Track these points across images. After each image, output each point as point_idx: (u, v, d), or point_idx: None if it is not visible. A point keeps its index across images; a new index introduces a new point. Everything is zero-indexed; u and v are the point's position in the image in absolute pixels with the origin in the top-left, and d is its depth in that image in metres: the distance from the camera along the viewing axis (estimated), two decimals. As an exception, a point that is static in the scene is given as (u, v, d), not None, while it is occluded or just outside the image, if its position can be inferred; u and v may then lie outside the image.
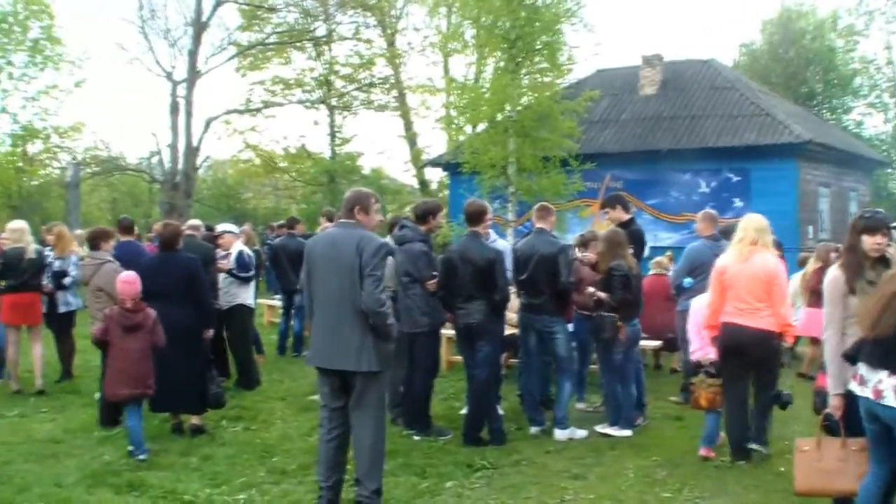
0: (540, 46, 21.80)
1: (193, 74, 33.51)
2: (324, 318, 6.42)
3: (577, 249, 9.79)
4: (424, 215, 9.11)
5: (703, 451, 8.04)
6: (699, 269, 9.69)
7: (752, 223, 7.79)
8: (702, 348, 8.10)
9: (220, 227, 12.08)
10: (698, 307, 8.23)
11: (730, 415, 7.90)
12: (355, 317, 6.22)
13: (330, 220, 12.30)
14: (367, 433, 6.40)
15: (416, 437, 8.70)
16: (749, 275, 7.58)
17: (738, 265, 7.63)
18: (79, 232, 16.77)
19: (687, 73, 28.19)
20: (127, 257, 9.94)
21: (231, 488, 7.06)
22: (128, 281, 8.20)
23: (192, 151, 33.94)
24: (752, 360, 7.70)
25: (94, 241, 9.68)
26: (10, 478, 7.45)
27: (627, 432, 8.80)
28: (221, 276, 10.95)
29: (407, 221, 9.48)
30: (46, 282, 11.22)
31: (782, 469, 7.20)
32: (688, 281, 9.94)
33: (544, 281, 8.66)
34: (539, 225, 9.00)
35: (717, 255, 9.57)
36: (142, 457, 7.90)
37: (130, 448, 8.03)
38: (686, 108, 26.35)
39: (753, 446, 7.84)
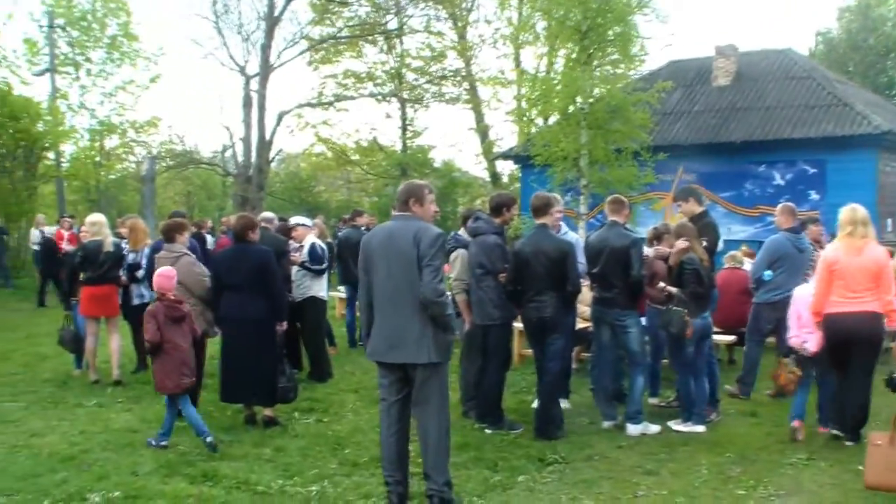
0: (612, 38, 21.59)
1: (266, 68, 33.82)
2: (383, 310, 6.41)
3: (652, 243, 9.70)
4: (499, 207, 9.04)
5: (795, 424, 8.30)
6: (779, 262, 9.75)
7: (858, 216, 7.88)
8: (798, 336, 8.25)
9: (293, 220, 12.17)
10: (800, 296, 8.34)
11: (846, 399, 8.01)
12: (414, 308, 6.22)
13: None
14: (432, 426, 6.41)
15: (488, 431, 8.68)
16: (860, 267, 7.75)
17: (849, 258, 7.77)
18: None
19: (762, 63, 27.68)
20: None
21: (303, 480, 7.11)
22: (166, 276, 8.43)
23: (264, 145, 34.26)
24: (858, 341, 7.79)
25: (170, 234, 9.76)
26: (90, 466, 7.61)
27: (700, 428, 8.68)
28: (294, 269, 11.04)
29: (481, 213, 9.45)
30: (121, 274, 11.42)
31: (861, 468, 7.01)
32: (767, 273, 9.84)
33: (616, 274, 8.56)
34: (612, 218, 8.90)
35: (797, 248, 9.45)
36: (209, 439, 8.02)
37: (203, 438, 8.10)
38: (760, 99, 25.89)
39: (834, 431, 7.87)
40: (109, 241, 11.32)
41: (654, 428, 8.71)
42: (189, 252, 9.69)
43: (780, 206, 10.37)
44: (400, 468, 6.48)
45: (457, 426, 8.66)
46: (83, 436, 8.69)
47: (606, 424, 8.87)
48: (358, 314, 13.98)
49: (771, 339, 10.59)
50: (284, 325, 9.38)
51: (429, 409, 6.39)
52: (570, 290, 8.48)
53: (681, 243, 8.78)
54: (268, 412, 8.91)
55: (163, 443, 8.24)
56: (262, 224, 10.89)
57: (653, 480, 7.19)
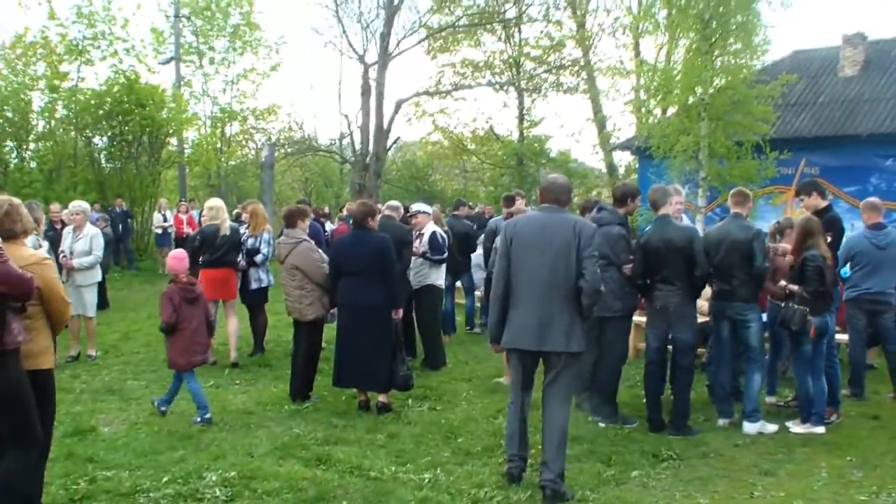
0: (734, 26, 21.09)
1: (385, 57, 34.01)
2: (530, 300, 6.48)
3: (774, 238, 9.44)
4: (623, 198, 8.87)
5: None
6: (855, 259, 9.55)
7: None
8: None
9: (413, 207, 12.18)
10: None
11: None
12: (565, 299, 6.39)
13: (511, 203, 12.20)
14: (561, 413, 6.57)
15: (602, 424, 8.54)
16: None
17: None
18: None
19: (892, 52, 26.71)
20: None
21: (416, 467, 7.10)
22: (177, 258, 8.87)
23: (382, 133, 34.48)
24: None
25: (291, 220, 9.85)
26: (207, 445, 7.75)
27: (820, 429, 8.39)
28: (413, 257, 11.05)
29: (605, 204, 9.31)
30: (240, 259, 11.60)
31: None
32: (844, 271, 9.61)
33: (737, 266, 8.34)
34: (736, 210, 8.68)
35: (876, 245, 9.10)
36: (207, 416, 8.54)
37: (199, 415, 8.62)
38: (890, 90, 24.97)
39: None
40: (226, 225, 11.50)
41: (772, 427, 8.46)
42: (308, 238, 9.76)
43: (863, 202, 10.03)
44: (526, 448, 6.79)
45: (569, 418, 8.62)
46: (201, 416, 8.86)
47: (722, 422, 8.64)
48: (458, 302, 14.09)
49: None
50: (400, 312, 9.40)
51: (561, 396, 6.60)
52: (699, 276, 8.31)
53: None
54: (382, 398, 8.94)
55: (163, 408, 8.80)
56: (387, 212, 10.96)
57: (770, 481, 6.98)
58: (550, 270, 6.39)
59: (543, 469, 6.48)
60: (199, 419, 8.55)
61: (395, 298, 9.06)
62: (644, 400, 8.75)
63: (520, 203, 12.14)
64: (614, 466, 7.25)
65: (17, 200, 5.73)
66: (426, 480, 6.78)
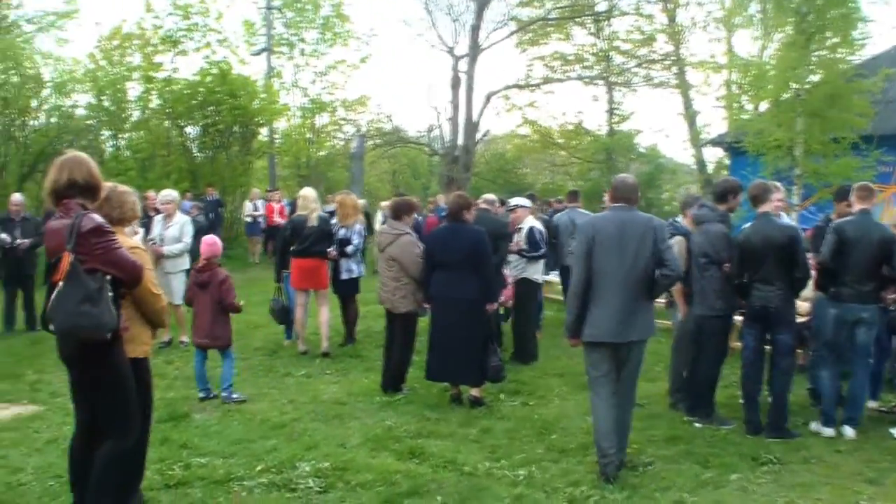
0: (832, 21, 20.54)
1: (475, 50, 33.89)
2: (612, 296, 6.74)
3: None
4: (724, 194, 8.61)
5: None
6: None
7: None
8: None
9: (512, 201, 12.07)
10: None
11: None
12: (641, 290, 6.76)
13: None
14: (630, 398, 7.04)
15: (698, 425, 8.35)
16: None
17: None
18: (361, 202, 17.23)
19: None
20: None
21: (510, 463, 7.02)
22: (208, 242, 9.37)
23: (471, 125, 34.38)
24: None
25: (397, 213, 9.84)
26: (300, 435, 7.76)
27: (927, 437, 8.09)
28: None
29: (705, 201, 9.07)
30: (333, 249, 11.60)
31: None
32: None
33: (872, 266, 8.04)
34: (861, 206, 8.27)
35: None
36: (224, 394, 9.08)
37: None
38: None
39: None
40: (314, 215, 11.50)
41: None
42: (411, 232, 9.70)
43: None
44: (616, 439, 6.82)
45: (664, 418, 8.50)
46: (292, 405, 8.89)
47: (822, 429, 8.34)
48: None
49: None
50: (495, 305, 9.30)
51: (632, 381, 7.02)
52: (799, 277, 8.03)
53: None
54: (474, 392, 8.86)
55: (233, 396, 9.06)
56: (483, 206, 10.86)
57: (875, 490, 6.72)
58: (630, 267, 6.70)
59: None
60: (224, 393, 9.16)
61: (489, 292, 8.98)
62: (741, 401, 8.52)
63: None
64: (712, 469, 7.07)
65: (122, 188, 5.77)
66: (521, 477, 6.71)
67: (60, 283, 4.91)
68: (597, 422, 6.91)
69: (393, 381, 9.40)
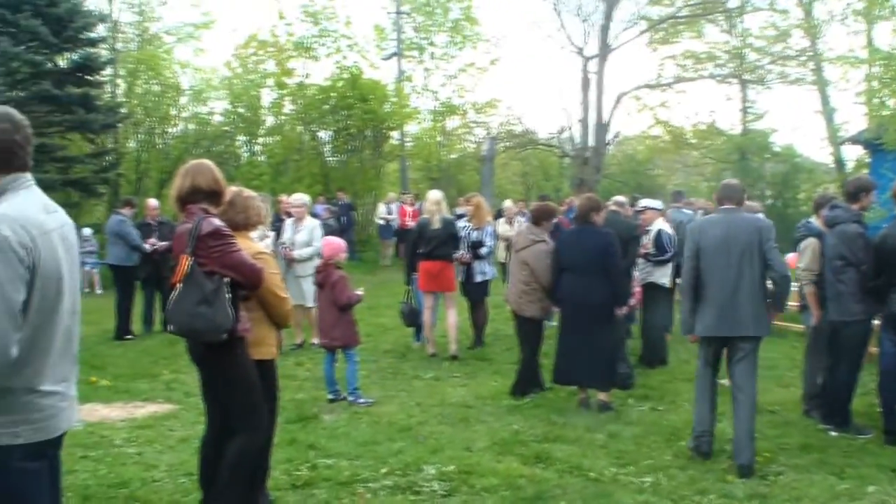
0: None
1: (605, 50, 33.62)
2: (720, 293, 7.04)
3: None
4: (856, 193, 8.25)
5: None
6: None
7: None
8: None
9: (642, 203, 11.92)
10: None
11: None
12: (751, 289, 6.97)
13: (751, 197, 11.68)
14: (751, 392, 7.10)
15: (833, 434, 8.04)
16: None
17: None
18: (508, 204, 17.26)
19: None
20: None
21: (637, 469, 6.89)
22: (328, 244, 9.55)
23: (602, 127, 34.11)
24: None
25: (537, 218, 9.81)
26: (426, 438, 7.77)
27: None
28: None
29: (838, 201, 8.75)
30: (463, 251, 11.62)
31: None
32: None
33: None
34: None
35: None
36: (351, 398, 9.17)
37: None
38: None
39: None
40: (437, 218, 11.52)
41: None
42: (548, 240, 9.63)
43: None
44: (712, 423, 7.32)
45: (798, 425, 8.26)
46: (419, 408, 8.91)
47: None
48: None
49: None
50: (624, 309, 9.18)
51: (751, 375, 7.13)
52: None
53: None
54: (602, 396, 8.75)
55: (360, 400, 9.11)
56: (613, 208, 10.76)
57: None
58: (737, 266, 6.96)
59: (737, 451, 7.00)
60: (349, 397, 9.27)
61: (618, 296, 8.86)
62: (879, 409, 8.18)
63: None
64: (847, 480, 6.78)
65: (248, 192, 5.88)
66: (647, 484, 6.58)
67: (178, 285, 5.04)
68: (696, 407, 7.42)
69: (521, 384, 9.36)
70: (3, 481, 3.38)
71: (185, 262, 5.01)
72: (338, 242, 9.49)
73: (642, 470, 6.88)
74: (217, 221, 5.16)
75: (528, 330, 9.48)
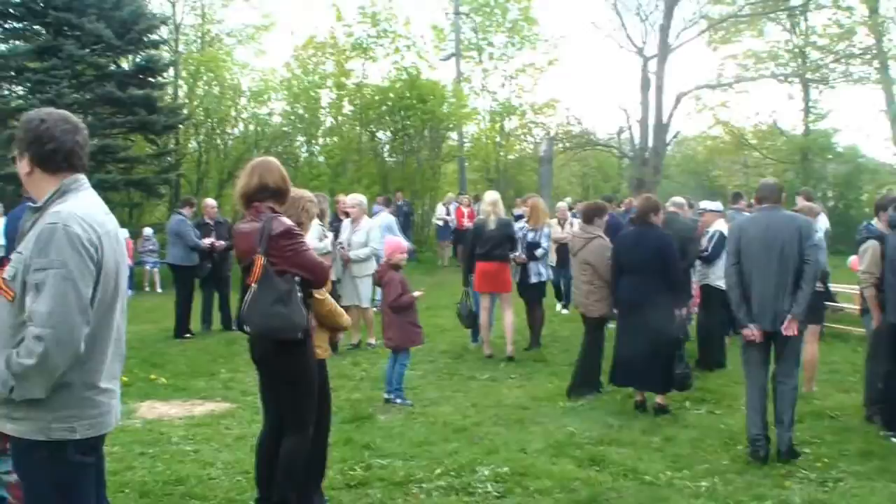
0: None
1: (664, 49, 33.40)
2: (762, 288, 7.19)
3: None
4: (919, 193, 8.21)
5: None
6: None
7: None
8: None
9: (701, 204, 11.84)
10: None
11: None
12: (792, 285, 7.11)
13: (808, 199, 11.48)
14: (793, 383, 7.36)
15: (895, 440, 7.89)
16: None
17: None
18: (562, 205, 17.19)
19: None
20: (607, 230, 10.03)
21: (693, 474, 6.82)
22: (387, 244, 9.66)
23: (661, 127, 33.90)
24: None
25: (589, 216, 9.83)
26: (481, 439, 7.76)
27: None
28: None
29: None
30: (520, 252, 11.61)
31: None
32: None
33: None
34: None
35: None
36: (388, 396, 9.17)
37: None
38: None
39: None
40: (492, 219, 11.50)
41: None
42: (603, 235, 9.63)
43: None
44: (765, 427, 7.29)
45: (859, 431, 8.14)
46: (475, 409, 8.91)
47: None
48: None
49: None
50: (683, 311, 9.10)
51: (794, 367, 7.39)
52: None
53: None
54: (659, 399, 8.68)
55: (397, 401, 9.14)
56: (671, 209, 10.69)
57: None
58: (777, 263, 7.11)
59: (779, 426, 7.25)
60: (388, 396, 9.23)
61: (677, 297, 8.80)
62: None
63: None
64: (909, 487, 6.65)
65: (298, 192, 5.89)
66: (703, 489, 6.50)
67: (254, 286, 5.08)
68: (748, 405, 7.43)
69: (578, 385, 9.32)
70: (56, 474, 3.46)
71: (260, 263, 5.06)
72: (396, 242, 9.53)
73: (698, 474, 6.81)
74: (287, 221, 5.21)
75: (594, 330, 9.43)
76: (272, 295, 5.03)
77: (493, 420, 8.45)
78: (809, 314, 7.58)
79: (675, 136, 36.97)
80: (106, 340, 3.52)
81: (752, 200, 11.42)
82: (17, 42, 22.00)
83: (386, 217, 16.35)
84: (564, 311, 15.13)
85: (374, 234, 12.26)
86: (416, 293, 9.20)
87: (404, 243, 9.72)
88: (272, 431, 5.59)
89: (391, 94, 27.79)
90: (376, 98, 28.04)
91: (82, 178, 3.60)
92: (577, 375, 9.52)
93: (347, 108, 28.99)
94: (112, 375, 3.61)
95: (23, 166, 3.57)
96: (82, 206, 3.46)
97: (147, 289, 20.58)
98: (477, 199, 24.76)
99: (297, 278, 5.14)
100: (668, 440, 7.75)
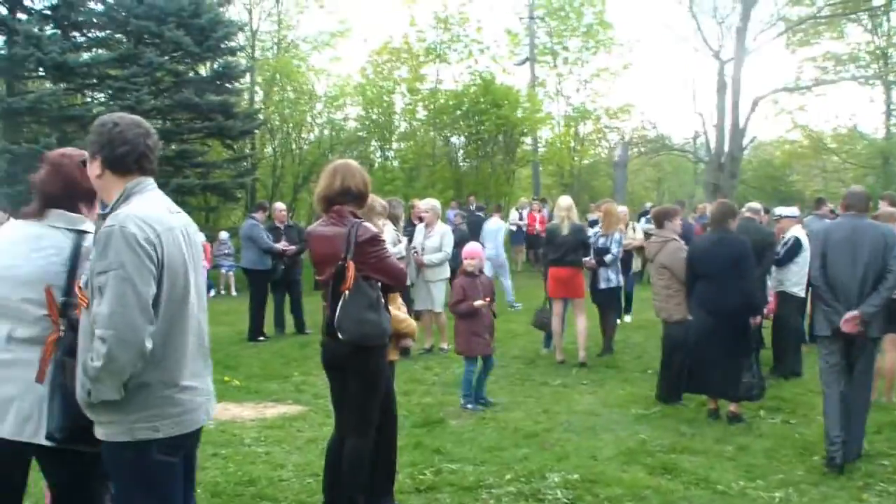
0: None
1: (741, 53, 33.02)
2: (843, 292, 7.12)
3: None
4: None
5: None
6: None
7: None
8: None
9: (777, 210, 11.69)
10: None
11: None
12: (870, 292, 7.01)
13: (893, 203, 11.19)
14: (865, 393, 7.33)
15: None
16: None
17: None
18: (622, 210, 17.07)
19: None
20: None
21: (766, 484, 6.71)
22: (465, 249, 9.49)
23: (738, 131, 33.53)
24: None
25: (659, 220, 9.78)
26: (552, 445, 7.71)
27: None
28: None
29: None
30: (590, 258, 11.56)
31: None
32: None
33: None
34: None
35: None
36: (464, 403, 9.12)
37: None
38: None
39: None
40: (566, 224, 11.46)
41: None
42: (678, 238, 9.57)
43: None
44: (843, 429, 7.07)
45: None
46: (546, 414, 8.87)
47: None
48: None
49: None
50: (759, 318, 9.00)
51: (867, 377, 7.35)
52: None
53: None
54: (733, 408, 8.56)
55: (468, 406, 9.10)
56: (748, 214, 10.58)
57: None
58: (860, 270, 7.06)
59: (847, 447, 7.08)
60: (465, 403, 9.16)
61: (752, 304, 8.68)
62: None
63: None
64: None
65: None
66: (776, 499, 6.40)
67: (346, 293, 5.10)
68: (826, 412, 7.24)
69: (669, 391, 9.25)
70: (141, 473, 3.52)
71: (353, 270, 5.09)
72: (470, 249, 9.48)
73: (772, 485, 6.71)
74: (372, 227, 5.28)
75: (676, 335, 9.32)
76: (364, 301, 5.09)
77: (565, 426, 8.41)
78: (888, 323, 7.47)
79: (751, 141, 36.55)
80: (181, 337, 3.55)
81: (837, 207, 11.29)
82: (100, 50, 22.44)
83: (497, 222, 16.66)
84: (627, 319, 14.92)
85: (448, 238, 12.29)
86: (478, 302, 9.11)
87: (478, 248, 9.66)
88: (342, 437, 5.63)
89: (465, 99, 27.86)
90: (450, 103, 28.12)
91: (147, 180, 3.67)
92: (662, 382, 9.45)
93: (421, 112, 29.13)
94: (195, 373, 3.64)
95: (94, 169, 3.66)
96: (142, 207, 3.52)
97: (223, 292, 20.88)
98: (544, 201, 24.73)
99: (379, 284, 5.20)
100: (742, 449, 7.63)
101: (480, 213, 22.63)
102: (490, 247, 16.36)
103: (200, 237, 3.94)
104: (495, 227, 17.35)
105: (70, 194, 4.01)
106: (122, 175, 3.61)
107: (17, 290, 3.84)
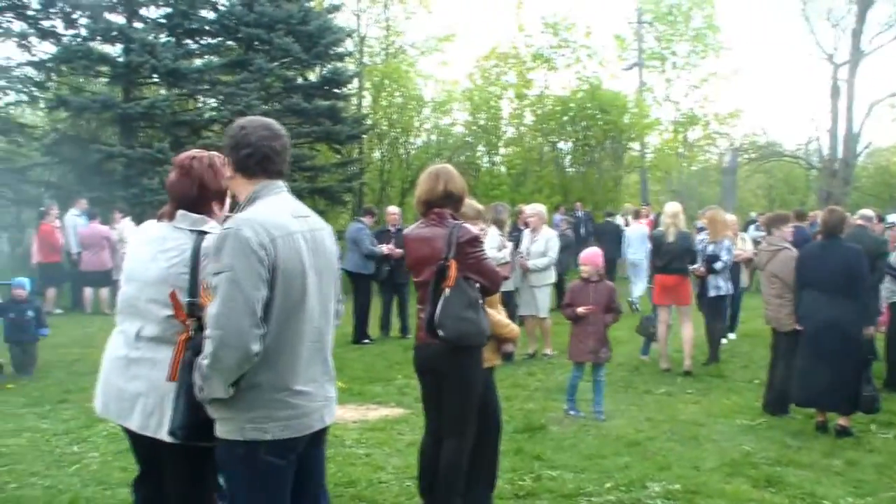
0: None
1: (856, 56, 32.25)
2: None
3: None
4: None
5: None
6: None
7: None
8: None
9: (890, 218, 11.41)
10: None
11: None
12: None
13: None
14: None
15: None
16: None
17: None
18: (731, 217, 16.79)
19: None
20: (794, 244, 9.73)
21: (876, 501, 6.52)
22: (583, 258, 9.27)
23: (852, 137, 32.76)
24: None
25: (770, 227, 9.64)
26: (653, 454, 7.61)
27: None
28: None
29: None
30: (699, 265, 11.42)
31: None
32: None
33: None
34: None
35: None
36: (567, 408, 9.08)
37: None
38: None
39: None
40: (672, 231, 11.36)
41: None
42: (790, 246, 9.36)
43: None
44: None
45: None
46: (649, 423, 8.77)
47: None
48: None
49: None
50: (871, 329, 8.76)
51: None
52: None
53: None
54: (842, 421, 8.34)
55: (571, 412, 9.05)
56: (860, 222, 10.36)
57: None
58: None
59: None
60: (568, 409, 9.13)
61: (865, 315, 8.44)
62: None
63: None
64: None
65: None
66: (887, 515, 6.23)
67: (447, 291, 5.13)
68: None
69: (776, 402, 9.06)
70: (248, 474, 3.58)
71: (455, 268, 5.13)
72: (586, 254, 9.33)
73: (882, 502, 6.52)
74: (473, 229, 5.35)
75: (786, 345, 9.11)
76: (464, 300, 5.12)
77: (667, 435, 8.29)
78: None
79: (866, 147, 35.66)
80: (295, 342, 3.58)
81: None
82: (212, 57, 22.88)
83: (640, 228, 16.70)
84: (731, 336, 14.06)
85: (553, 243, 12.26)
86: (580, 309, 8.99)
87: (594, 254, 9.50)
88: (436, 440, 5.64)
89: (572, 104, 27.77)
90: (557, 108, 28.05)
91: (276, 183, 3.75)
92: (768, 392, 9.26)
93: (528, 118, 29.10)
94: (310, 378, 3.69)
95: (227, 171, 3.78)
96: (265, 210, 3.58)
97: (329, 295, 21.11)
98: (638, 215, 24.49)
99: (477, 285, 5.22)
100: (851, 464, 7.43)
101: (610, 219, 22.52)
102: (635, 252, 16.54)
103: (333, 244, 3.94)
104: (640, 233, 17.37)
105: (201, 195, 4.11)
106: (249, 177, 3.71)
107: (144, 291, 3.95)
